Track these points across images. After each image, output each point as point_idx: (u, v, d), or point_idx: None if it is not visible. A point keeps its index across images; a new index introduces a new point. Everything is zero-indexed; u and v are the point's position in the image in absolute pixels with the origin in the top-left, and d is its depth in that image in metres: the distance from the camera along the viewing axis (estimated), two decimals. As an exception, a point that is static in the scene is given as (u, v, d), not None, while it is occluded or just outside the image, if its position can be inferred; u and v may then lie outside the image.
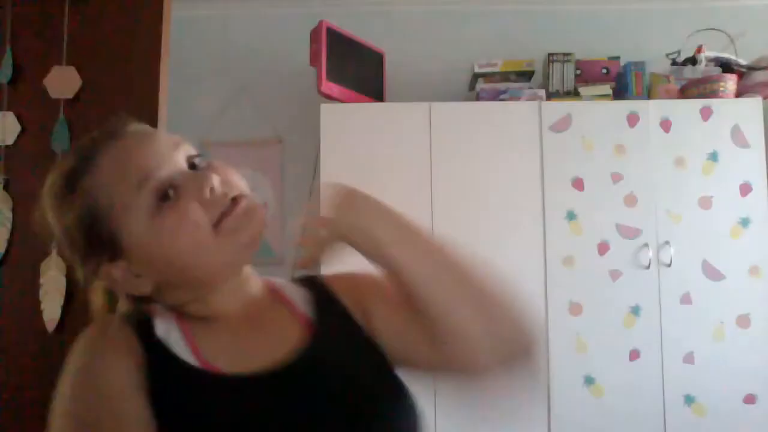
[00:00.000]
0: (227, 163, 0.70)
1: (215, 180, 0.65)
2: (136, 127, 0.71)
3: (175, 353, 0.64)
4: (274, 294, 0.76)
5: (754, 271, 2.31)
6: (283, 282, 0.79)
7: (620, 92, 2.49)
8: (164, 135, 0.69)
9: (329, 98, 2.42)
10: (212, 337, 0.68)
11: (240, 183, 0.69)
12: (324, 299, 0.76)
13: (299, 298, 0.76)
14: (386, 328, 0.72)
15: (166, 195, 0.64)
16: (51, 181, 0.68)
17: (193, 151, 0.70)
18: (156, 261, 0.65)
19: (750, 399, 2.25)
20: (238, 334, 0.70)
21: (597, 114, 2.39)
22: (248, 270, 0.74)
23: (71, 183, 0.66)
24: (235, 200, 0.67)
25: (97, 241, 0.66)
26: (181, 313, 0.69)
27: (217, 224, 0.65)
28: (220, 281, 0.69)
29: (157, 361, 0.63)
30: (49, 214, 0.68)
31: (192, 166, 0.68)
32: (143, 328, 0.66)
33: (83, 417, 0.59)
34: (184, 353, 0.64)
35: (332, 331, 0.72)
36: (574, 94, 2.49)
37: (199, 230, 0.64)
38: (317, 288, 0.77)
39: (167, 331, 0.66)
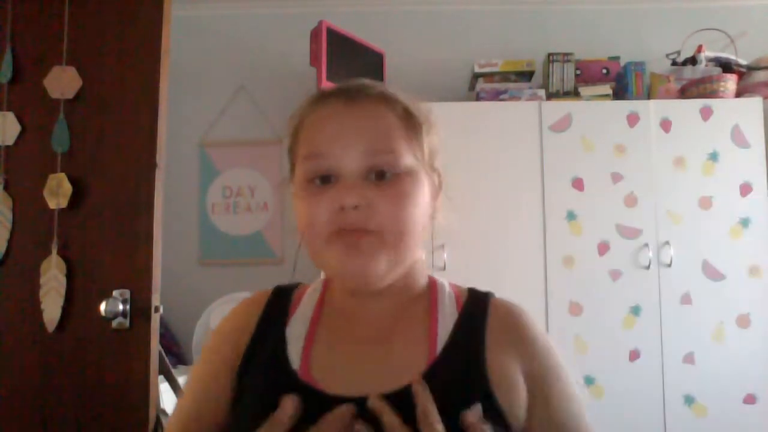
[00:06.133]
0: (403, 195, 0.65)
1: (351, 199, 0.62)
2: (362, 110, 0.67)
3: (287, 351, 0.67)
4: (431, 302, 0.70)
5: (754, 271, 2.31)
6: (446, 291, 0.72)
7: (620, 92, 2.49)
8: (377, 129, 0.66)
9: (329, 98, 2.42)
10: (331, 342, 0.68)
11: (399, 220, 0.64)
12: (466, 339, 0.66)
13: (447, 321, 0.68)
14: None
15: (319, 178, 0.66)
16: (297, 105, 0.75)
17: (387, 164, 0.65)
18: (294, 209, 0.70)
19: (750, 399, 2.25)
20: (358, 340, 0.68)
21: (597, 114, 2.39)
22: (399, 282, 0.69)
23: (297, 112, 0.73)
24: (360, 232, 0.63)
25: (291, 166, 0.73)
26: (326, 290, 0.74)
27: (332, 235, 0.64)
28: (340, 283, 0.70)
29: (265, 353, 0.68)
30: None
31: (379, 175, 0.65)
32: (282, 312, 0.72)
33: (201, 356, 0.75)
34: (295, 352, 0.67)
35: (449, 374, 0.63)
36: (574, 94, 2.49)
37: (311, 228, 0.65)
38: (472, 319, 0.68)
39: (299, 322, 0.71)
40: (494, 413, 0.61)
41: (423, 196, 0.68)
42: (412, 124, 0.69)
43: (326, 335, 0.69)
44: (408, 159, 0.67)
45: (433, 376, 0.62)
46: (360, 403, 0.60)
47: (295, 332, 0.70)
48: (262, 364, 0.68)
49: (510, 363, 0.65)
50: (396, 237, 0.64)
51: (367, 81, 0.72)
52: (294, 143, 0.72)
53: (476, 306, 0.70)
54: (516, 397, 0.64)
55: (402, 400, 0.60)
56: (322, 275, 0.77)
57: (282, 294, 0.76)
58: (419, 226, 0.67)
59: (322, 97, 0.71)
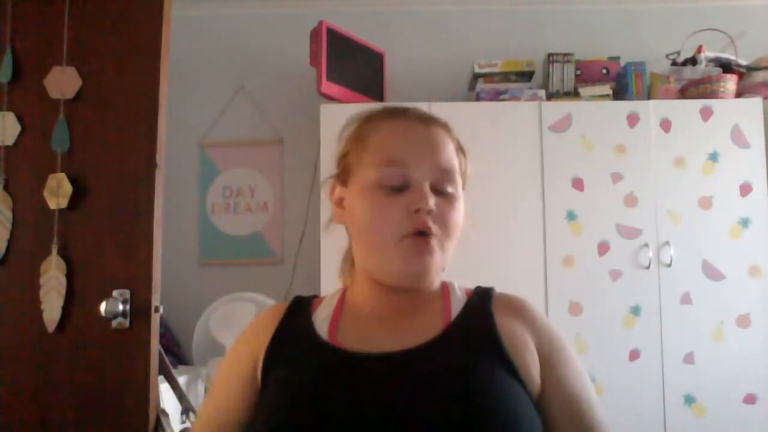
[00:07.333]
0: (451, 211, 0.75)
1: (430, 203, 0.71)
2: (433, 132, 0.77)
3: (315, 330, 0.75)
4: (444, 294, 0.80)
5: (754, 271, 2.31)
6: (455, 285, 0.82)
7: (620, 92, 2.49)
8: (445, 151, 0.76)
9: (329, 98, 2.42)
10: (355, 322, 0.76)
11: (451, 230, 0.74)
12: (476, 310, 0.76)
13: (458, 302, 0.78)
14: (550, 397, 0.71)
15: (393, 186, 0.73)
16: (355, 115, 0.83)
17: (448, 183, 0.75)
18: (351, 211, 0.77)
19: (750, 399, 2.25)
20: (381, 321, 0.76)
21: (597, 114, 2.39)
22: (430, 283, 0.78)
23: (358, 121, 0.81)
24: (427, 235, 0.71)
25: (342, 164, 0.81)
26: (346, 292, 0.82)
27: (402, 238, 0.71)
28: (392, 280, 0.75)
29: (293, 336, 0.76)
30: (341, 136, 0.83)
31: (436, 191, 0.74)
32: (305, 309, 0.80)
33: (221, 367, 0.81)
34: (322, 330, 0.75)
35: (463, 333, 0.73)
36: (574, 94, 2.49)
37: (382, 227, 0.72)
38: (480, 299, 0.78)
39: (323, 312, 0.79)
40: (508, 367, 0.68)
41: (462, 216, 0.78)
42: (460, 154, 0.82)
43: (350, 317, 0.77)
44: (459, 182, 0.78)
45: (449, 334, 0.72)
46: (384, 359, 0.69)
47: (321, 317, 0.78)
48: (290, 344, 0.75)
49: (519, 329, 0.73)
50: (446, 243, 0.74)
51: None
52: (358, 149, 0.78)
53: (482, 293, 0.80)
54: (528, 356, 0.71)
55: (422, 354, 0.69)
56: (322, 288, 0.80)
57: (302, 299, 0.84)
58: (457, 240, 0.77)
59: (391, 113, 0.80)
